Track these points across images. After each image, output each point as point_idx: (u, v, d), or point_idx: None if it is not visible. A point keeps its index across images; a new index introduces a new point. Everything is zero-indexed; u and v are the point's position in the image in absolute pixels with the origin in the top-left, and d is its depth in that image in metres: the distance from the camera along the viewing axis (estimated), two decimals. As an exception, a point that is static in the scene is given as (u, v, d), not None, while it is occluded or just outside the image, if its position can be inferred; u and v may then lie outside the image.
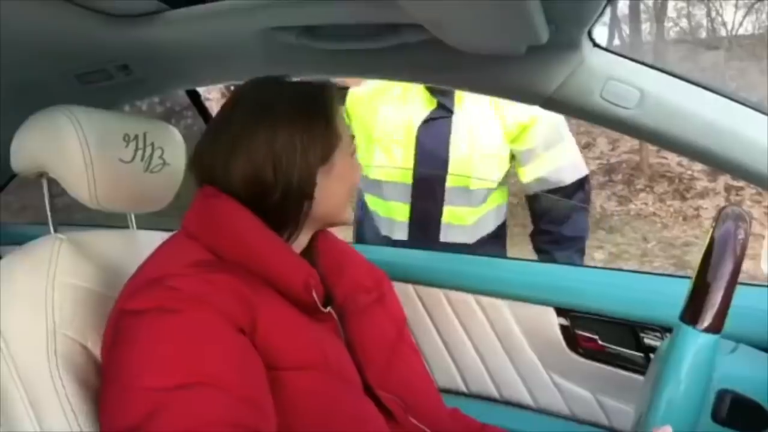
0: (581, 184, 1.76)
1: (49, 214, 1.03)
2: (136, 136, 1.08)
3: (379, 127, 1.80)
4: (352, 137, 0.97)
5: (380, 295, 1.05)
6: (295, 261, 0.87)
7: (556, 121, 1.72)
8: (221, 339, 0.76)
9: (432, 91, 1.75)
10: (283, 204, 0.87)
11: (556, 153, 1.74)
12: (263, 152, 0.86)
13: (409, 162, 1.77)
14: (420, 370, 1.05)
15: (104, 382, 0.79)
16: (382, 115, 1.80)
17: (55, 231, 1.01)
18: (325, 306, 0.90)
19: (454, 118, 1.74)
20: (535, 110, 1.55)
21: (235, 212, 0.86)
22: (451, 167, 1.74)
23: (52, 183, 1.03)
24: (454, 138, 1.74)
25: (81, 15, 1.01)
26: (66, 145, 0.97)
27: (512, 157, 1.79)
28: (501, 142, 1.75)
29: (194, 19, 1.03)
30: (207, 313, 0.76)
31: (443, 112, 1.75)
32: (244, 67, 1.24)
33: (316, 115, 0.90)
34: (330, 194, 0.91)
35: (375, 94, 1.83)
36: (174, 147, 1.16)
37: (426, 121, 1.75)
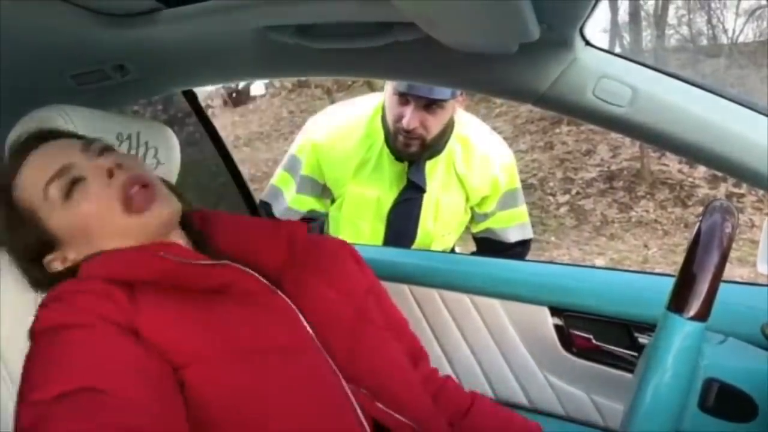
0: (523, 243, 1.91)
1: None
2: (130, 136, 1.09)
3: (348, 204, 1.80)
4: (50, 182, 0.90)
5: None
6: (143, 246, 0.90)
7: (515, 188, 1.84)
8: (107, 347, 0.77)
9: (402, 163, 1.75)
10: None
11: (510, 215, 1.86)
12: None
13: (377, 238, 1.81)
14: (385, 350, 0.99)
15: None
16: (351, 193, 1.79)
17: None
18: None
19: (425, 196, 1.76)
20: (498, 178, 1.78)
21: None
22: (417, 240, 1.80)
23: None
24: (423, 216, 1.78)
25: (76, 14, 1.02)
26: (60, 143, 0.98)
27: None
28: (463, 212, 1.85)
29: (189, 17, 1.04)
30: (94, 324, 0.78)
31: (414, 192, 1.75)
32: (239, 66, 1.24)
33: None
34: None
35: (345, 167, 1.78)
36: (168, 147, 1.17)
37: (397, 203, 1.77)
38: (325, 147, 1.77)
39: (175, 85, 1.39)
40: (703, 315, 0.74)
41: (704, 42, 8.04)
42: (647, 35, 8.31)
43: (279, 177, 1.87)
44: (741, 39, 7.76)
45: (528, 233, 1.91)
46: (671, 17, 8.12)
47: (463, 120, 1.80)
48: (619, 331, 1.27)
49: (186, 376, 0.78)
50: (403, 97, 1.61)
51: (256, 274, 0.91)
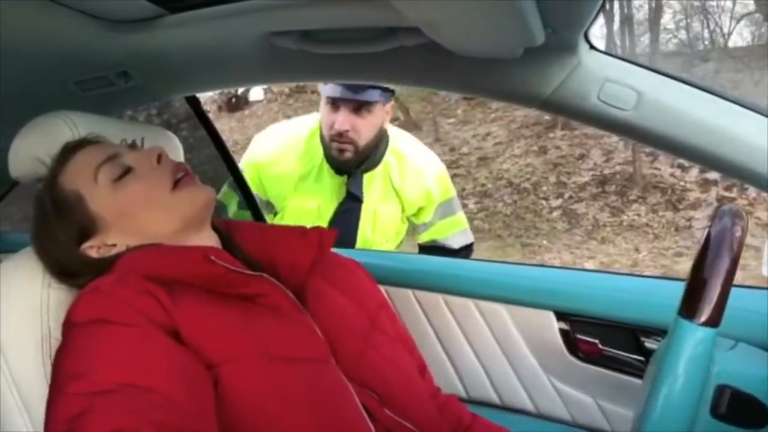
0: (466, 248, 2.02)
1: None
2: (134, 141, 1.08)
3: (289, 216, 1.89)
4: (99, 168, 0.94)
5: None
6: (188, 247, 0.91)
7: (450, 197, 1.95)
8: (148, 344, 0.77)
9: (342, 176, 1.84)
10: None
11: (449, 223, 1.97)
12: None
13: None
14: (396, 359, 1.01)
15: None
16: (291, 205, 1.87)
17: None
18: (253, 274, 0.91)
19: (363, 206, 1.85)
20: (431, 190, 1.89)
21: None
22: (356, 248, 1.88)
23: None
24: (362, 225, 1.87)
25: (80, 21, 1.01)
26: (63, 150, 0.97)
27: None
28: (400, 221, 1.96)
29: (193, 23, 1.03)
30: (136, 321, 0.78)
31: (353, 203, 1.85)
32: (243, 72, 1.24)
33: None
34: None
35: (286, 182, 1.87)
36: (172, 152, 1.16)
37: (337, 213, 1.86)
38: (266, 165, 1.89)
39: (178, 91, 1.39)
40: (714, 321, 0.73)
41: (701, 46, 8.08)
42: (644, 39, 8.35)
43: (223, 193, 1.97)
44: (737, 43, 7.81)
45: (469, 238, 2.00)
46: (669, 22, 8.16)
47: (396, 135, 1.92)
48: (626, 335, 1.27)
49: (220, 373, 0.79)
50: (335, 105, 1.74)
51: (286, 290, 0.92)
